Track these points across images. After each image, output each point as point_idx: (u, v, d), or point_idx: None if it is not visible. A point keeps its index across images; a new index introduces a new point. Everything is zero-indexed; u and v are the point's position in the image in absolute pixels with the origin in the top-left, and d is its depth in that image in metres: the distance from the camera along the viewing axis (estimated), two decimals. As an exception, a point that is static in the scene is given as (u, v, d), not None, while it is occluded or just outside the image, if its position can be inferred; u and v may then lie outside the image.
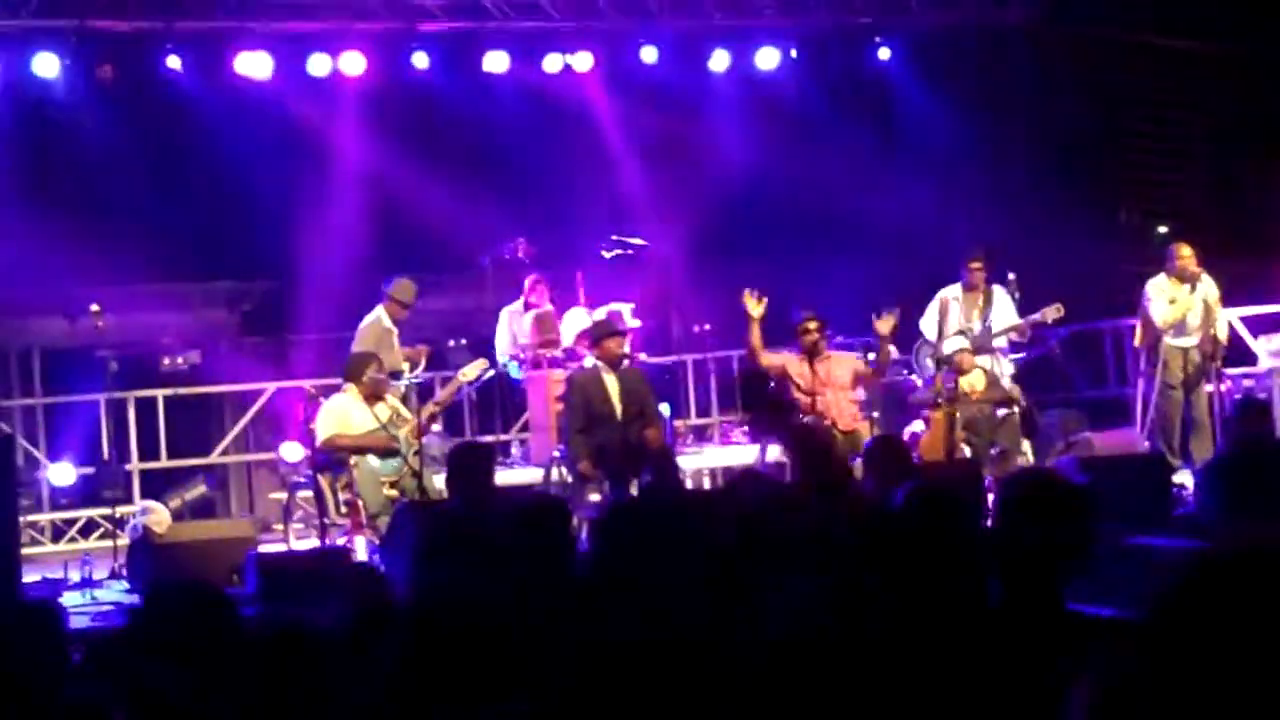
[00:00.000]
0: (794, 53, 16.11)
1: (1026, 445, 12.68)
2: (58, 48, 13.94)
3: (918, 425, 12.77)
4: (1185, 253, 12.65)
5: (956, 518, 4.44)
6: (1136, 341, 13.15)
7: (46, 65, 13.96)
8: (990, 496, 9.95)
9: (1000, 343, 13.22)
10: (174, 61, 14.26)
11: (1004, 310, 13.32)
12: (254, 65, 14.49)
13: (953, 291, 13.35)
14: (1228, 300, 13.00)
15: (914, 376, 13.51)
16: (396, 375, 12.49)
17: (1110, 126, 16.41)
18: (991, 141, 15.77)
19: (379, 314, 12.87)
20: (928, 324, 13.43)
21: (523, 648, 4.26)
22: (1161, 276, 12.75)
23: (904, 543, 4.32)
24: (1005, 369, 13.24)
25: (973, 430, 12.40)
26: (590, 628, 4.25)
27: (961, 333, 13.03)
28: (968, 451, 12.25)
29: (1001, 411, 12.59)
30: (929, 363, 13.37)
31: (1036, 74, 16.33)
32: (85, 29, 13.95)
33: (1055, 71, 16.34)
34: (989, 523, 4.38)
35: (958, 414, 12.24)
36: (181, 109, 14.66)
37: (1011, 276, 13.23)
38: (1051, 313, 13.05)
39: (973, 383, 12.57)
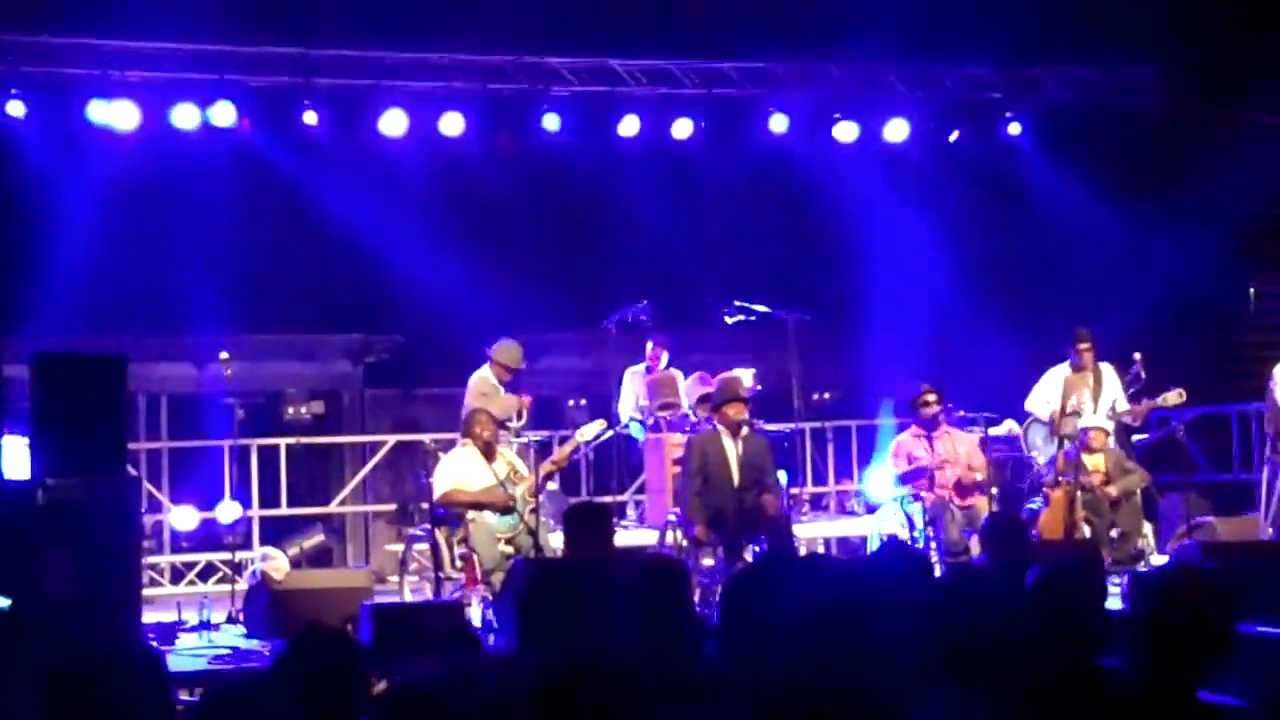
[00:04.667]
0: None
1: (1147, 528, 12.51)
2: (198, 100, 14.21)
3: (1036, 503, 12.65)
4: None
5: (1086, 604, 4.43)
6: (1267, 425, 12.89)
7: (186, 117, 14.22)
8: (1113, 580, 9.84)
9: (1110, 424, 13.02)
10: (310, 117, 14.48)
11: (1113, 390, 13.14)
12: (389, 123, 14.68)
13: (1063, 370, 13.21)
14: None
15: (1035, 454, 13.36)
16: (503, 425, 12.56)
17: (1246, 206, 16.19)
18: (1123, 219, 15.61)
19: (485, 372, 12.97)
20: (1038, 403, 13.25)
21: (639, 708, 4.26)
22: (1289, 358, 12.46)
23: (1033, 626, 4.30)
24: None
25: (1092, 510, 12.24)
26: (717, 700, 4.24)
27: (1076, 413, 12.83)
28: (1087, 531, 12.10)
29: (1122, 494, 12.40)
30: (1040, 441, 13.23)
31: (1170, 151, 16.18)
32: (225, 82, 14.23)
33: (1188, 149, 16.18)
34: (1127, 610, 4.39)
35: (1078, 493, 12.10)
36: (316, 163, 14.87)
37: (1138, 356, 13.07)
38: (1173, 398, 12.85)
39: (1097, 463, 12.42)
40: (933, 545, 11.96)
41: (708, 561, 11.71)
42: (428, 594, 11.77)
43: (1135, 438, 13.35)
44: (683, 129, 15.54)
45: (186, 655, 10.23)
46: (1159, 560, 12.02)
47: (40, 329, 12.98)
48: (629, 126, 15.37)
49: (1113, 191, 15.74)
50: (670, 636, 5.13)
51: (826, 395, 15.22)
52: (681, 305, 14.52)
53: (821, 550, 13.71)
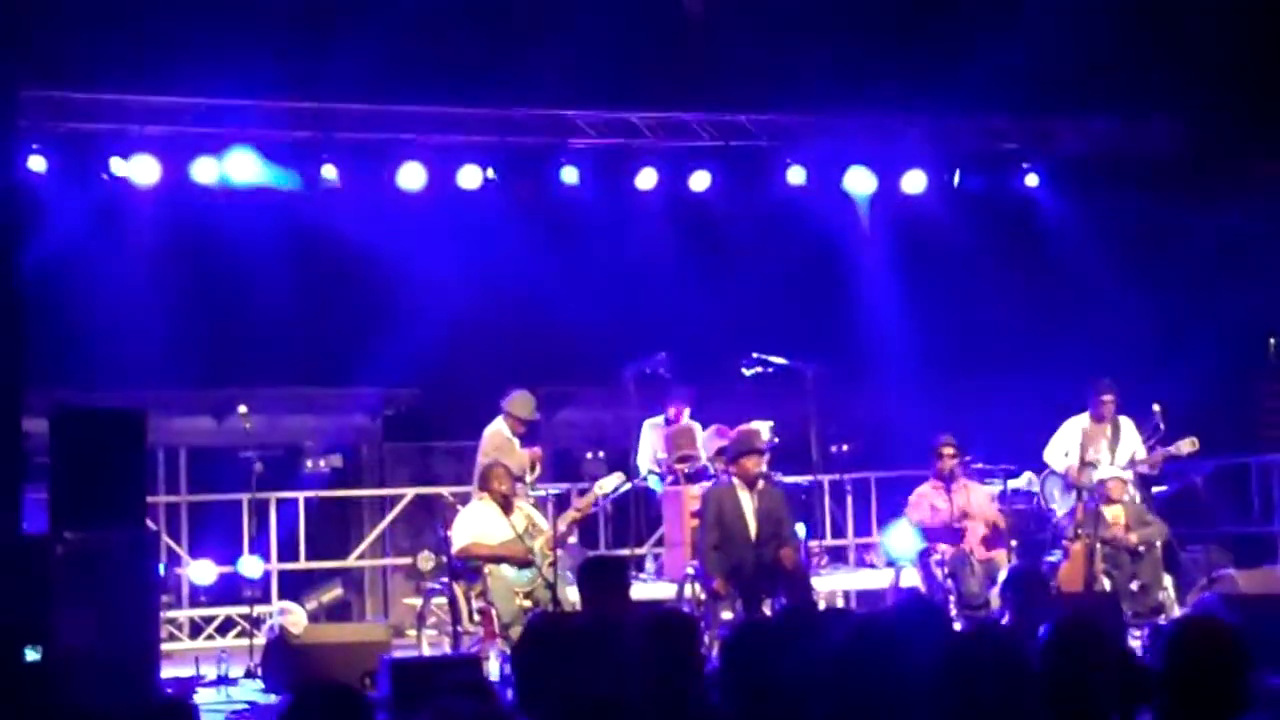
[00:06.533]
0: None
1: (1168, 580, 12.45)
2: (217, 154, 14.28)
3: (1055, 555, 12.59)
4: None
5: (1102, 654, 4.40)
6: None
7: (205, 171, 14.29)
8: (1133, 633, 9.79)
9: (1129, 475, 12.97)
10: (329, 171, 14.54)
11: (1131, 442, 13.09)
12: (408, 176, 14.73)
13: (1081, 422, 13.19)
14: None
15: (1054, 506, 13.31)
16: (518, 479, 12.54)
17: (1263, 256, 16.17)
18: (1140, 268, 15.60)
19: (499, 425, 12.95)
20: (1054, 455, 13.22)
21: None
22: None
23: (1048, 675, 4.28)
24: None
25: (1113, 563, 12.20)
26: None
27: (1093, 464, 12.80)
28: (1107, 584, 12.04)
29: (1142, 544, 12.36)
30: (1057, 493, 13.18)
31: (1185, 200, 16.16)
32: (244, 136, 14.30)
33: (1206, 198, 16.17)
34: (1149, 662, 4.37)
35: (1098, 546, 12.05)
36: (335, 217, 14.91)
37: (1156, 407, 13.03)
38: (1186, 445, 12.81)
39: (1117, 514, 12.37)
40: (951, 598, 11.91)
41: (726, 615, 11.67)
42: (446, 648, 11.76)
43: (1154, 489, 13.29)
44: (700, 181, 15.57)
45: (205, 710, 10.21)
46: (1180, 613, 11.96)
47: (59, 383, 13.01)
48: (646, 179, 15.40)
49: (1130, 242, 15.73)
50: (677, 689, 5.12)
51: (845, 447, 15.16)
52: (699, 357, 14.50)
53: (840, 603, 13.65)
